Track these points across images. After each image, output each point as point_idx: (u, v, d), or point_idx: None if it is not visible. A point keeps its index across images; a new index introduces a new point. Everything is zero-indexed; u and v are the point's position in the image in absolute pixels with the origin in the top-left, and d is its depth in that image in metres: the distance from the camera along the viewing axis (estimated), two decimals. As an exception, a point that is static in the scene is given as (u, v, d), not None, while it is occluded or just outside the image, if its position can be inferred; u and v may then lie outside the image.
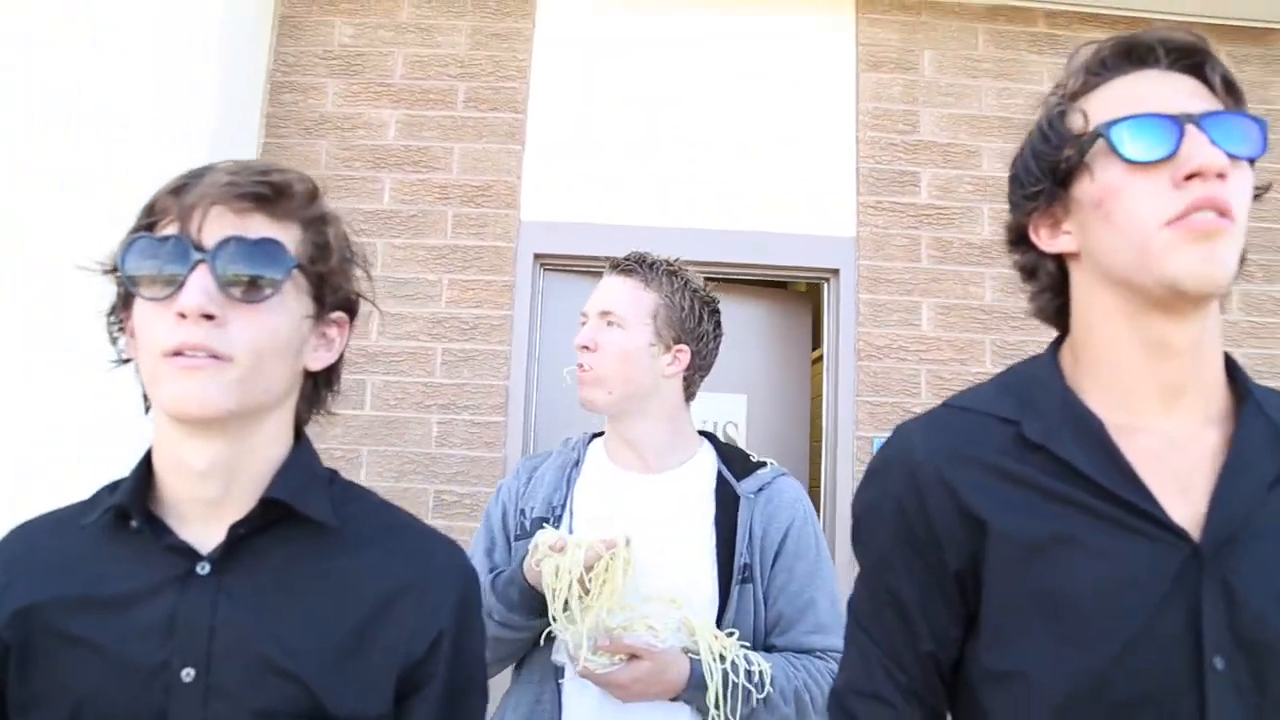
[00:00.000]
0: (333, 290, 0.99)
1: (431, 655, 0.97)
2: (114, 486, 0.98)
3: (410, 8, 3.02)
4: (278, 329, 0.92)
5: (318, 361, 1.01)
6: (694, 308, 1.63)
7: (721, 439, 1.70)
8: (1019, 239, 1.02)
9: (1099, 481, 0.90)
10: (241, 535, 0.93)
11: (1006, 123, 3.00)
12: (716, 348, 1.69)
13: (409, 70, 3.00)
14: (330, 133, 2.96)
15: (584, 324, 1.65)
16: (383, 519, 1.05)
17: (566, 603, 1.40)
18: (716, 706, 1.41)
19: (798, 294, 3.44)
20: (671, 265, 1.66)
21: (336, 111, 2.97)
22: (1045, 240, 0.98)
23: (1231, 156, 0.87)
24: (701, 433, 1.69)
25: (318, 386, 1.04)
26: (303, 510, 0.96)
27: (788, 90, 3.02)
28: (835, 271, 2.95)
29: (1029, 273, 1.03)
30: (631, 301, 1.61)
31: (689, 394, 1.67)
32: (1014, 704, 0.91)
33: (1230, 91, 0.93)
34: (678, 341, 1.61)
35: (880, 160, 2.98)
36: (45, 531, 1.00)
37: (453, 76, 2.99)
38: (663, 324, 1.60)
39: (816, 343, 3.23)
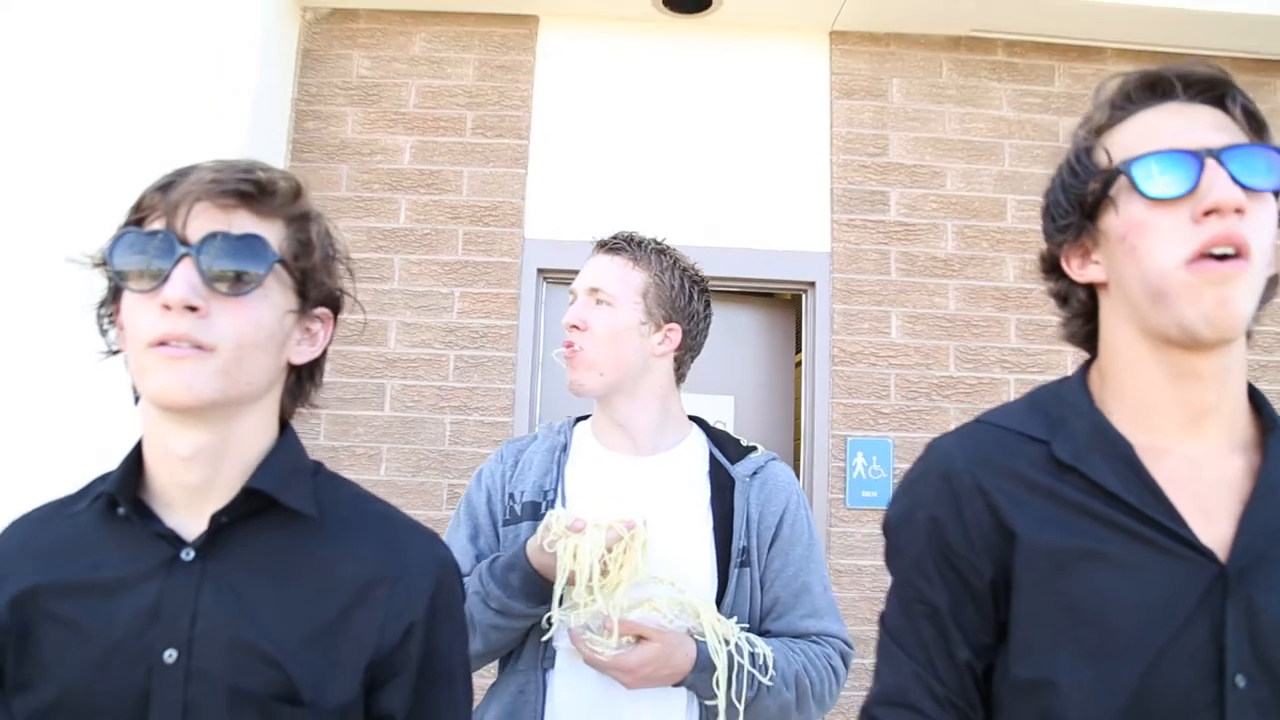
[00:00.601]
0: (316, 286, 1.00)
1: (404, 644, 0.97)
2: (107, 477, 0.99)
3: (422, 42, 3.24)
4: (261, 322, 0.93)
5: (301, 355, 1.01)
6: (684, 286, 1.59)
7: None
8: (1052, 268, 1.03)
9: (1129, 501, 0.90)
10: (225, 523, 0.94)
11: (969, 145, 3.23)
12: (707, 327, 1.65)
13: (421, 100, 3.21)
14: (350, 157, 3.17)
15: (572, 302, 1.60)
16: (364, 509, 1.05)
17: (587, 586, 1.35)
18: (719, 687, 1.38)
19: (784, 302, 3.62)
20: (660, 244, 1.62)
21: (355, 138, 3.18)
22: (1076, 270, 0.99)
23: (1253, 189, 0.87)
24: (691, 417, 1.65)
25: (301, 380, 1.05)
26: (283, 500, 0.96)
27: (768, 117, 3.24)
28: (812, 284, 3.16)
29: (1062, 299, 1.04)
30: (620, 279, 1.56)
31: (679, 375, 1.63)
32: (1041, 714, 0.91)
33: (1252, 122, 0.93)
34: (668, 320, 1.57)
35: (852, 181, 3.20)
36: (40, 522, 1.02)
37: (461, 106, 3.21)
38: (653, 302, 1.56)
39: (800, 347, 3.42)
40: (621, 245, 1.60)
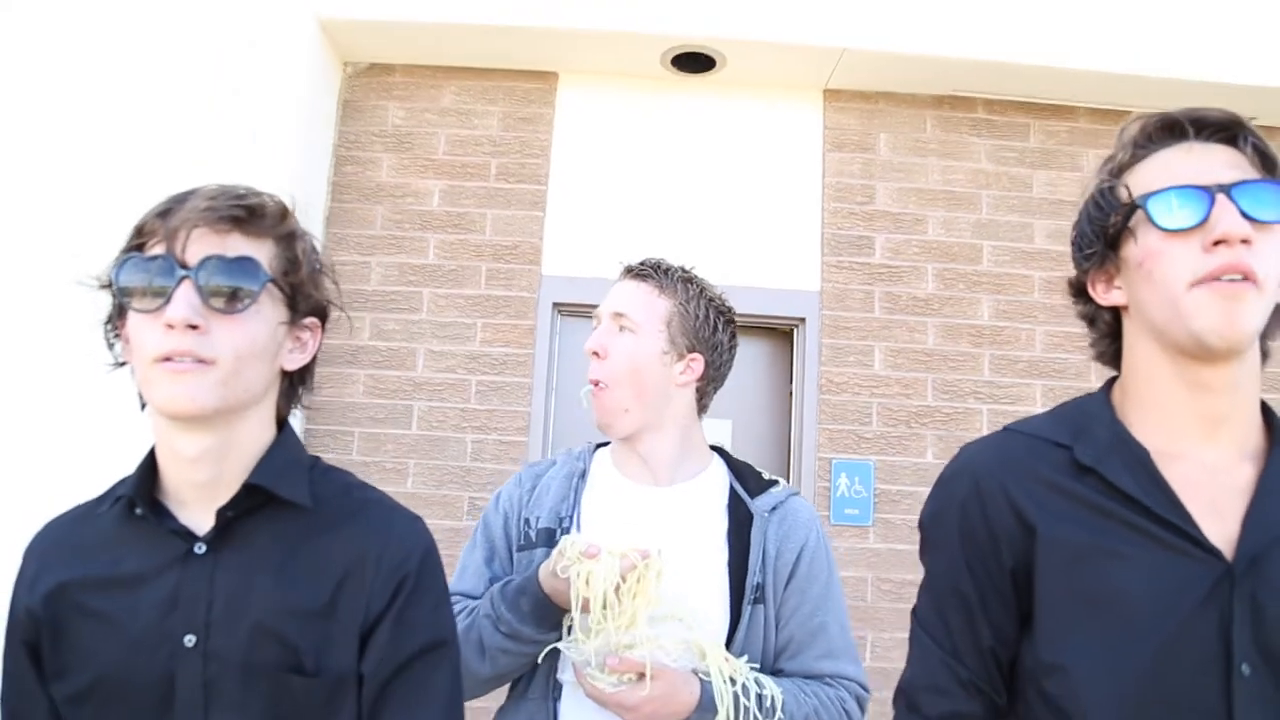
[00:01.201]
0: (304, 298, 1.06)
1: (385, 612, 1.03)
2: (126, 480, 1.06)
3: (451, 95, 3.52)
4: (256, 335, 0.99)
5: (293, 362, 1.08)
6: (709, 316, 1.55)
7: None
8: (1079, 292, 1.10)
9: (1143, 502, 0.96)
10: (231, 517, 1.01)
11: (949, 195, 3.49)
12: (731, 358, 1.60)
13: (450, 148, 3.48)
14: (385, 199, 3.44)
15: (596, 327, 1.57)
16: (355, 497, 1.11)
17: (600, 613, 1.32)
18: None
19: (782, 334, 3.73)
20: (687, 272, 1.58)
21: (390, 181, 3.46)
22: (1101, 294, 1.06)
23: (1261, 221, 0.92)
24: (712, 447, 1.62)
25: (294, 384, 1.11)
26: (280, 493, 1.02)
27: (766, 167, 3.50)
28: (803, 320, 3.42)
29: (1089, 321, 1.11)
30: (645, 306, 1.53)
31: (701, 405, 1.59)
32: (1062, 695, 0.96)
33: (1263, 159, 0.98)
34: (691, 350, 1.53)
35: (841, 227, 3.46)
36: (70, 523, 1.09)
37: (486, 153, 3.48)
38: (676, 331, 1.52)
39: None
40: (648, 272, 1.57)
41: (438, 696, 1.06)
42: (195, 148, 3.06)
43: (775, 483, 1.56)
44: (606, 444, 1.64)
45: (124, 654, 0.97)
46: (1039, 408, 3.29)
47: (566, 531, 1.47)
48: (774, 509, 1.51)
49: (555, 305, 3.42)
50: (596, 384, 1.54)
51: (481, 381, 3.35)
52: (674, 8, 3.21)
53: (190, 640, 0.97)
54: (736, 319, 1.62)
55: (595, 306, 1.62)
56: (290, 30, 3.20)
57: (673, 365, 1.53)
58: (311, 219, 3.34)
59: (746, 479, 1.56)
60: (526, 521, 1.53)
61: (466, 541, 1.61)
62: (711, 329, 1.56)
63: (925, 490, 3.44)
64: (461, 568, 1.56)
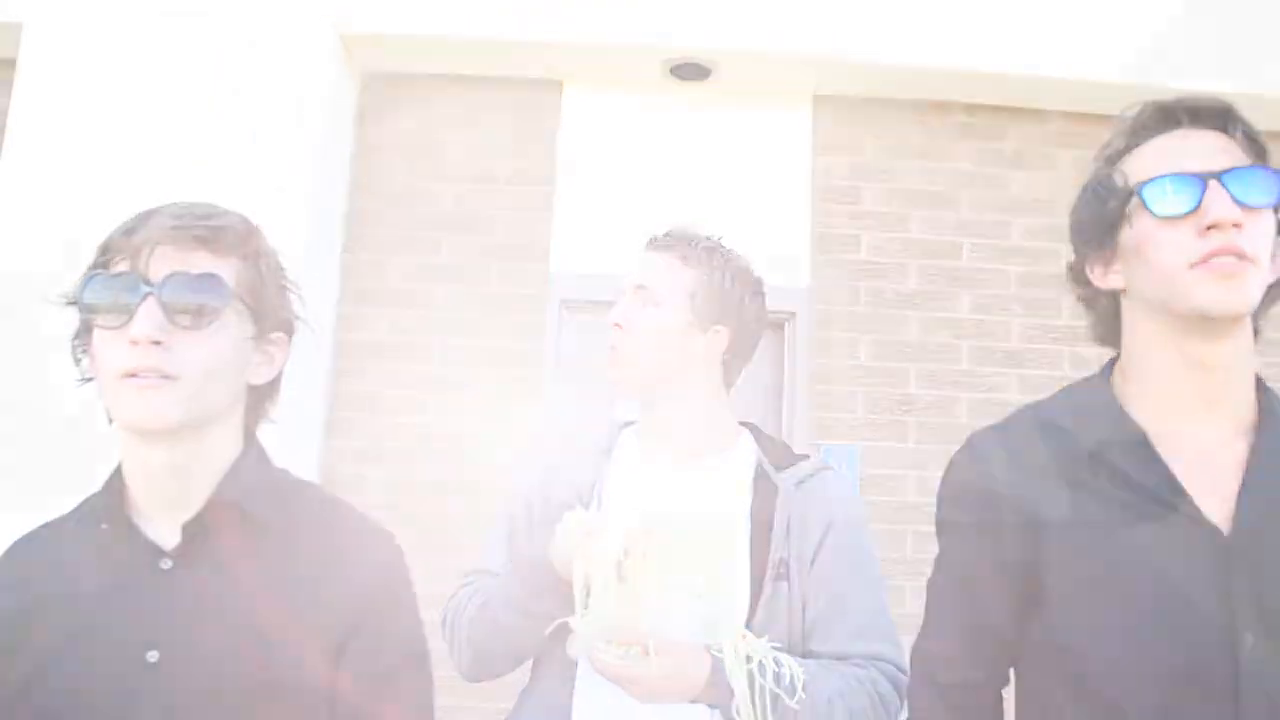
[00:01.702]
0: (269, 314, 1.05)
1: (355, 631, 1.02)
2: (94, 496, 1.05)
3: (463, 104, 3.68)
4: (221, 351, 0.99)
5: (259, 376, 1.07)
6: (734, 287, 1.51)
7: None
8: (1079, 276, 1.12)
9: (1144, 484, 0.98)
10: (198, 532, 1.00)
11: (931, 195, 3.68)
12: (759, 330, 1.55)
13: (462, 153, 3.66)
14: (401, 202, 3.61)
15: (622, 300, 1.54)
16: (324, 510, 1.10)
17: (602, 593, 1.28)
18: (739, 714, 1.29)
19: (774, 327, 3.88)
20: (713, 241, 1.55)
21: (405, 185, 3.62)
22: (1099, 278, 1.08)
23: (1251, 206, 0.95)
24: (743, 423, 1.58)
25: (261, 398, 1.11)
26: (245, 508, 1.02)
27: (759, 170, 3.68)
28: (793, 314, 3.60)
29: (1089, 304, 1.13)
30: (668, 278, 1.50)
31: (729, 379, 1.55)
32: (1075, 668, 0.99)
33: (1253, 146, 1.01)
34: (716, 322, 1.49)
35: (829, 226, 3.65)
36: (37, 540, 1.07)
37: (496, 158, 3.65)
38: (701, 303, 1.48)
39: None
40: (672, 242, 1.54)
41: (409, 710, 1.07)
42: (217, 152, 3.21)
43: (806, 458, 1.52)
44: (634, 424, 1.62)
45: (87, 671, 0.96)
46: (1015, 395, 3.50)
47: (586, 505, 1.44)
48: (800, 483, 1.46)
49: (562, 301, 3.60)
50: (614, 349, 1.52)
51: (493, 374, 3.53)
52: (672, 21, 3.40)
53: (153, 656, 0.96)
54: (765, 290, 1.58)
55: (601, 303, 1.61)
56: (312, 44, 3.38)
57: (696, 338, 1.50)
58: (331, 222, 3.55)
59: (775, 454, 1.52)
60: (546, 497, 1.51)
61: (483, 524, 1.66)
62: (738, 300, 1.52)
63: (909, 473, 3.69)
64: (484, 546, 1.59)
